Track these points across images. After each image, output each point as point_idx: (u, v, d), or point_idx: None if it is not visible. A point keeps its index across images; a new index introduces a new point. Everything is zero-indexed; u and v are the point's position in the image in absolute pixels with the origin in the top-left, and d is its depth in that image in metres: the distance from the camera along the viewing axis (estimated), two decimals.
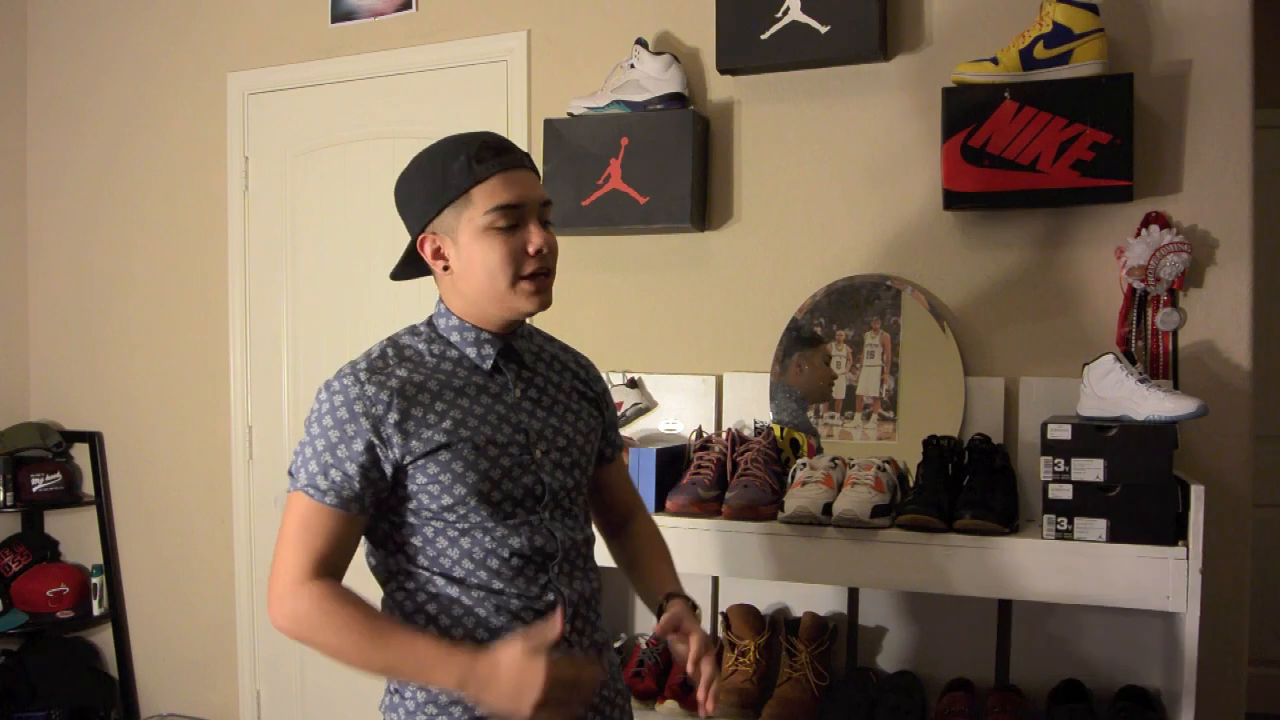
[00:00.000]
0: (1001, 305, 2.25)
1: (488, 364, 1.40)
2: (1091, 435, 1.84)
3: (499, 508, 1.36)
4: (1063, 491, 1.85)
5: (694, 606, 1.49)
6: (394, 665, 1.29)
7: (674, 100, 2.42)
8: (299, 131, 3.01)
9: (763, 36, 2.33)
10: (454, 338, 1.41)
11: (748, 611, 2.28)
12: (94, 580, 3.25)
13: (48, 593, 3.21)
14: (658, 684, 2.25)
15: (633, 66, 2.45)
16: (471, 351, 1.40)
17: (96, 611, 3.25)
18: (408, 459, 1.32)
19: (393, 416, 1.32)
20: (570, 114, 2.51)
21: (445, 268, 1.39)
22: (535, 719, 1.23)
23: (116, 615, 3.31)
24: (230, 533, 3.13)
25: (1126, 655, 2.10)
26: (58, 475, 3.28)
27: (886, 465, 2.07)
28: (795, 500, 1.98)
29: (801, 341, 2.38)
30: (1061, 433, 1.86)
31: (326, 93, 2.96)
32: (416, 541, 1.37)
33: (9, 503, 3.21)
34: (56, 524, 3.42)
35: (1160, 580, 1.75)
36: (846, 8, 2.26)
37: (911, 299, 2.29)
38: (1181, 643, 1.77)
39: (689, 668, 1.40)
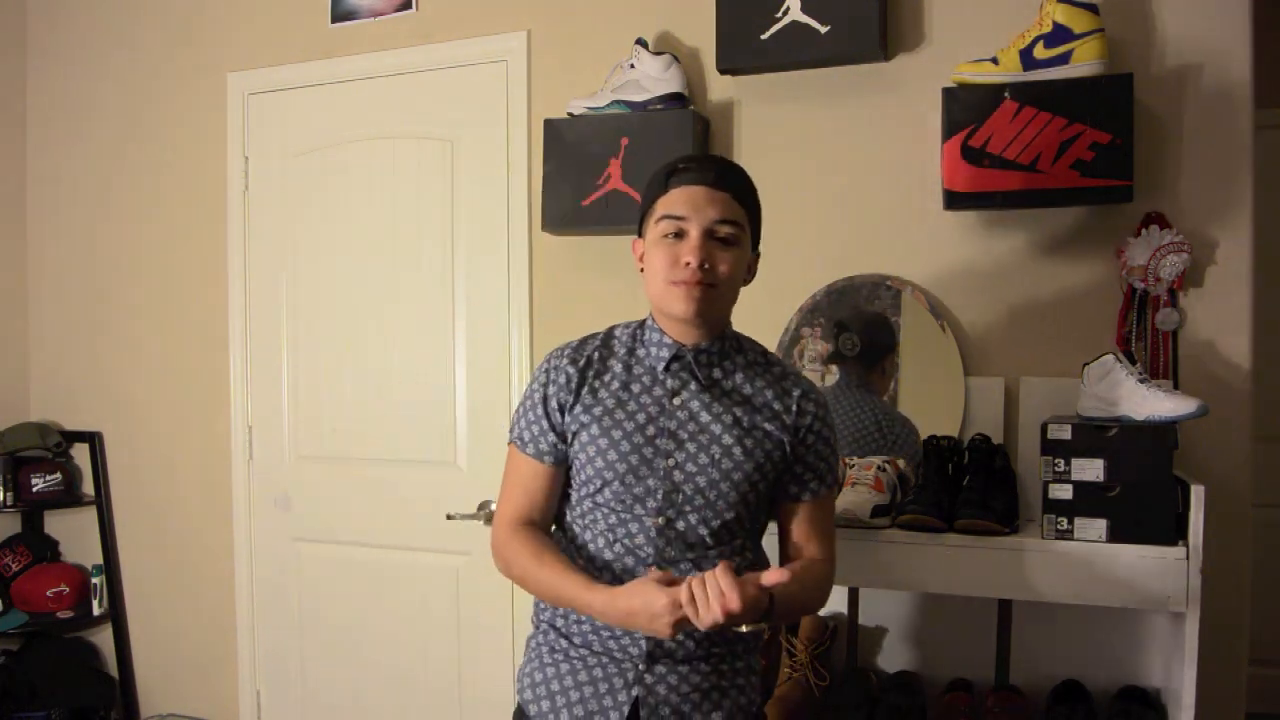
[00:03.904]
0: (1001, 305, 2.25)
1: (660, 365, 1.55)
2: (1091, 435, 1.84)
3: (619, 498, 1.51)
4: (1063, 491, 1.85)
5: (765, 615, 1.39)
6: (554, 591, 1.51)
7: (674, 100, 2.42)
8: (299, 131, 3.00)
9: (763, 36, 2.33)
10: (647, 336, 1.58)
11: None
12: (94, 580, 3.24)
13: (48, 593, 3.21)
14: None
15: (633, 66, 2.45)
16: (654, 350, 1.56)
17: (96, 611, 3.25)
18: (571, 426, 1.54)
19: (571, 388, 1.55)
20: (570, 114, 2.51)
21: (641, 270, 1.57)
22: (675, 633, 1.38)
23: (116, 615, 3.30)
24: (230, 533, 3.12)
25: (1126, 655, 2.10)
26: (58, 475, 3.28)
27: (886, 465, 2.07)
28: None
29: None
30: (1061, 433, 1.86)
31: (326, 93, 2.96)
32: (572, 512, 1.59)
33: (9, 503, 3.21)
34: (56, 524, 3.42)
35: (1160, 580, 1.75)
36: (846, 8, 2.26)
37: (911, 299, 2.29)
38: (1181, 643, 1.77)
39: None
